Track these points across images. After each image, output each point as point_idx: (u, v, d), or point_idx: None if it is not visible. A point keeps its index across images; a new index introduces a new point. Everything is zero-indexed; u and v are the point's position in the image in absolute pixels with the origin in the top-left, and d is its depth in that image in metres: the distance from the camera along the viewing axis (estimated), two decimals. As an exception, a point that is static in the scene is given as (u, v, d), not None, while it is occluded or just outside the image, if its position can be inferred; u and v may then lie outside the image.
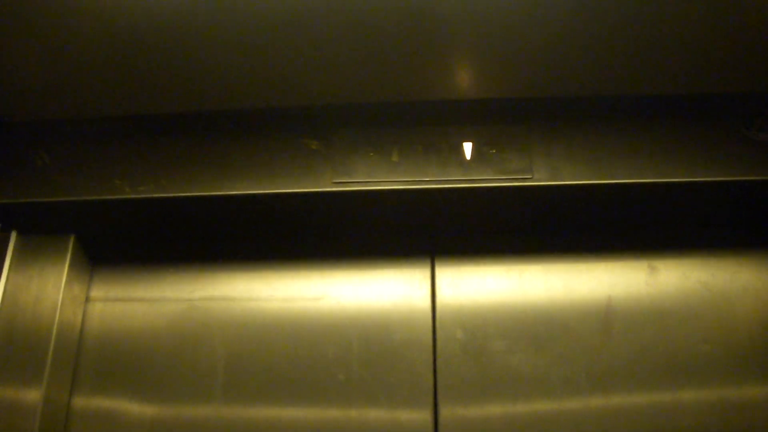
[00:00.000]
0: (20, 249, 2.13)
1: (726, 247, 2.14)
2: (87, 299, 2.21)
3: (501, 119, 2.05)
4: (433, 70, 1.95)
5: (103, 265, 2.26)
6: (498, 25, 1.79)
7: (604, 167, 1.96)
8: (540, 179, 1.96)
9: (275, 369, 2.07)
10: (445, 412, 1.99)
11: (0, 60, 1.92)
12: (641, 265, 2.13)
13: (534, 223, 2.16)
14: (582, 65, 1.93)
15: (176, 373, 2.09)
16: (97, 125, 2.13)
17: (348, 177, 2.01)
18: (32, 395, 1.96)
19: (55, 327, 2.03)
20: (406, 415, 1.99)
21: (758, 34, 1.82)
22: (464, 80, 2.03)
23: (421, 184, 1.98)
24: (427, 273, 2.17)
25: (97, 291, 2.23)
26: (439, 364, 2.04)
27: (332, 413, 2.02)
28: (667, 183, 1.95)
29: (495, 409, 1.99)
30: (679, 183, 1.95)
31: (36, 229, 2.14)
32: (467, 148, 2.02)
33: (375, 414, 2.01)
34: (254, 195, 2.01)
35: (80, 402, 2.09)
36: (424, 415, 1.99)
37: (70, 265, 2.13)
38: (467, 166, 2.00)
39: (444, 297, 2.13)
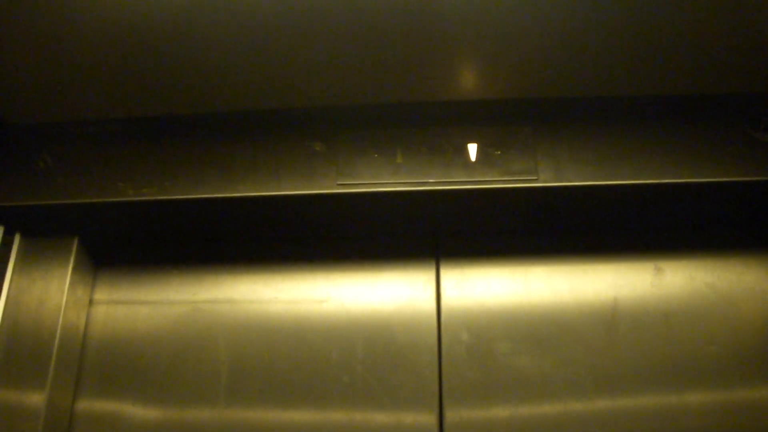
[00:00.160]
0: (24, 251, 2.13)
1: (732, 249, 2.14)
2: (90, 302, 2.21)
3: (505, 120, 2.05)
4: (437, 71, 1.95)
5: (106, 267, 2.26)
6: (503, 26, 1.79)
7: (609, 168, 1.96)
8: (545, 180, 1.96)
9: (279, 371, 2.07)
10: (450, 414, 1.98)
11: (3, 63, 1.92)
12: (647, 266, 2.13)
13: (539, 224, 2.16)
14: (587, 66, 1.92)
15: (180, 375, 2.09)
16: (100, 127, 2.13)
17: (352, 178, 2.01)
18: (36, 398, 1.96)
19: (58, 330, 2.03)
20: (411, 418, 1.99)
21: (763, 34, 1.81)
22: (468, 81, 2.02)
23: (425, 186, 1.98)
24: (432, 275, 2.16)
25: (101, 293, 2.22)
26: (444, 367, 2.03)
27: (336, 416, 2.01)
28: (672, 184, 1.95)
29: (501, 412, 1.98)
30: (685, 184, 1.95)
31: (39, 231, 2.14)
32: (471, 149, 2.02)
33: (380, 417, 2.00)
34: (258, 197, 2.01)
35: (84, 405, 2.08)
36: (429, 418, 1.98)
37: (74, 268, 2.12)
38: (471, 167, 1.99)
39: (449, 299, 2.12)
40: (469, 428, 1.97)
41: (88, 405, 2.08)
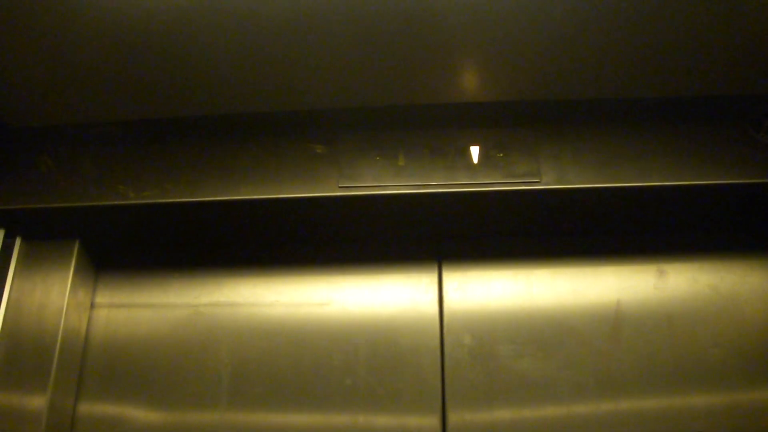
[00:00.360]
0: (25, 255, 2.12)
1: (735, 251, 2.13)
2: (92, 305, 2.20)
3: (508, 123, 2.05)
4: (439, 73, 1.95)
5: (107, 270, 2.25)
6: (505, 28, 1.79)
7: (612, 170, 1.95)
8: (548, 183, 1.95)
9: (281, 374, 2.06)
10: (453, 417, 1.98)
11: (4, 65, 1.92)
12: (650, 268, 2.12)
13: (542, 227, 2.16)
14: (589, 68, 1.92)
15: (181, 378, 2.08)
16: (101, 130, 2.13)
17: (354, 181, 2.00)
18: (37, 401, 1.95)
19: (60, 333, 2.02)
20: (414, 421, 1.98)
21: (764, 36, 1.81)
22: (471, 83, 2.02)
23: (427, 188, 1.98)
24: (434, 277, 2.16)
25: (102, 297, 2.22)
26: (447, 370, 2.03)
27: (339, 419, 2.01)
28: (675, 186, 1.94)
29: (504, 415, 1.97)
30: (688, 186, 1.94)
31: (40, 234, 2.13)
32: (474, 151, 2.01)
33: (382, 420, 1.99)
34: (259, 200, 2.01)
35: (85, 408, 2.08)
36: (432, 421, 1.98)
37: (75, 271, 2.12)
38: (474, 169, 1.99)
39: (451, 302, 2.12)
40: (472, 430, 1.96)
41: (89, 408, 2.08)
